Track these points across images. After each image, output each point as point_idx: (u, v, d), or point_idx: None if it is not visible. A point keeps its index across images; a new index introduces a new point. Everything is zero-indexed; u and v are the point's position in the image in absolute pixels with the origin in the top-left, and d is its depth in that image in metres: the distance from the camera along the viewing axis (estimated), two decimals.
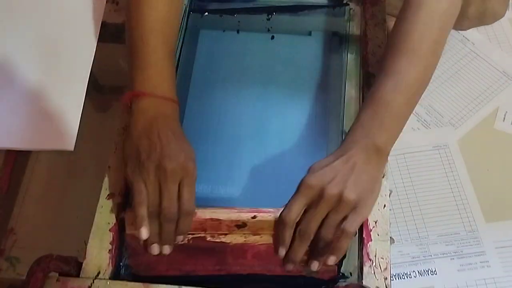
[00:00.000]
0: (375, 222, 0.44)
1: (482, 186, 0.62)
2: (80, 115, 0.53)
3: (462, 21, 0.64)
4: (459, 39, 0.71)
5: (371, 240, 0.44)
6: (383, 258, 0.43)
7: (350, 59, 0.55)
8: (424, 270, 0.58)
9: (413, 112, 0.65)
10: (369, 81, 0.51)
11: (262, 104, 0.53)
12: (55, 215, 0.53)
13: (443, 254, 0.59)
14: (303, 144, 0.51)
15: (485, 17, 0.64)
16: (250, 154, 0.51)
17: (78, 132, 0.53)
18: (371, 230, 0.44)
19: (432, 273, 0.58)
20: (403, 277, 0.58)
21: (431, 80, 0.68)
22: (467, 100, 0.67)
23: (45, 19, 0.59)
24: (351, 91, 0.53)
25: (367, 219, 0.44)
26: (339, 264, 0.43)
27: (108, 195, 0.46)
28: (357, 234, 0.45)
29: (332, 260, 0.41)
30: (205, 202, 0.45)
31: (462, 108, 0.67)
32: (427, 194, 0.62)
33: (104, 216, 0.45)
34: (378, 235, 0.44)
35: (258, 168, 0.50)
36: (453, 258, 0.58)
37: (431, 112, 0.66)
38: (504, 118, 0.66)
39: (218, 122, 0.53)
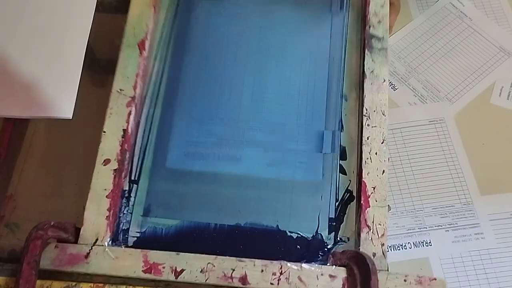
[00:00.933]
0: (373, 188, 0.45)
1: (478, 160, 0.62)
2: (78, 84, 0.53)
3: None
4: (456, 15, 0.71)
5: (369, 206, 0.44)
6: (380, 224, 0.43)
7: (351, 19, 0.54)
8: (419, 242, 0.59)
9: (410, 86, 0.66)
10: (370, 43, 0.50)
11: (260, 64, 0.52)
12: (55, 182, 0.53)
13: (438, 226, 0.59)
14: (300, 107, 0.51)
15: None
16: (248, 117, 0.50)
17: (76, 102, 0.53)
18: (369, 196, 0.44)
19: (427, 244, 0.59)
20: (398, 248, 0.59)
21: (428, 56, 0.69)
22: (464, 75, 0.67)
23: None
24: (351, 53, 0.52)
25: (366, 184, 0.45)
26: (337, 226, 0.44)
27: (104, 160, 0.46)
28: (355, 200, 0.46)
29: None
30: (204, 166, 0.48)
31: (458, 83, 0.67)
32: (423, 168, 0.62)
33: (101, 182, 0.45)
34: (376, 201, 0.44)
35: (256, 131, 0.50)
36: (448, 230, 0.59)
37: (428, 87, 0.67)
38: (500, 93, 0.66)
39: (215, 82, 0.52)
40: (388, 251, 0.44)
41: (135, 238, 0.46)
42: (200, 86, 0.52)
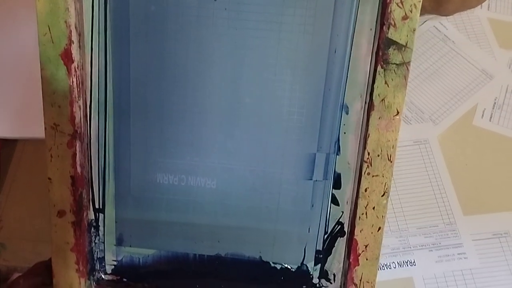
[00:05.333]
0: (366, 246, 0.39)
1: (461, 180, 0.63)
2: None
3: (446, 5, 0.65)
4: (440, 38, 0.73)
5: (359, 265, 0.39)
6: (368, 282, 0.39)
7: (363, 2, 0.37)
8: (403, 261, 0.59)
9: None
10: (386, 55, 0.35)
11: (235, 61, 0.38)
12: (42, 202, 0.53)
13: (422, 246, 0.60)
14: (288, 122, 0.40)
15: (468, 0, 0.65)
16: (222, 134, 0.40)
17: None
18: (359, 255, 0.39)
19: (411, 264, 0.59)
20: (383, 268, 0.59)
21: (412, 77, 0.70)
22: (447, 97, 0.69)
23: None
24: (360, 45, 0.37)
25: (358, 242, 0.39)
26: (324, 258, 0.42)
27: (58, 212, 0.39)
28: (345, 235, 0.41)
29: None
30: (173, 193, 0.42)
31: (442, 104, 0.68)
32: (407, 188, 0.63)
33: (61, 235, 0.40)
34: (367, 259, 0.39)
35: (232, 153, 0.41)
36: (432, 250, 0.60)
37: (412, 109, 0.68)
38: (482, 115, 0.67)
39: (175, 90, 0.39)
40: None
41: (113, 266, 0.44)
42: (157, 91, 0.40)
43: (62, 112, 0.37)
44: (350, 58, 0.38)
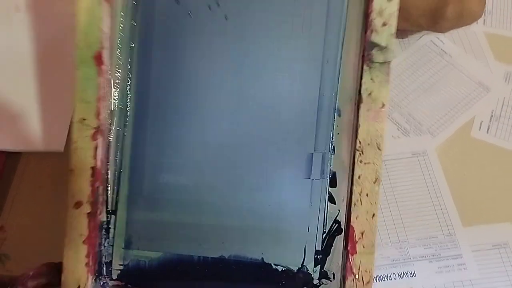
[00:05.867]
0: (362, 233, 0.42)
1: (459, 192, 0.64)
2: (70, 117, 0.54)
3: (442, 22, 0.66)
4: (437, 52, 0.74)
5: (356, 252, 0.42)
6: (366, 271, 0.41)
7: (350, 16, 0.44)
8: (403, 272, 0.60)
9: (393, 120, 0.68)
10: (370, 55, 0.42)
11: (240, 70, 0.44)
12: (45, 213, 0.54)
13: (422, 257, 0.60)
14: (288, 125, 0.45)
15: (463, 17, 0.66)
16: (228, 139, 0.45)
17: (68, 134, 0.54)
18: (356, 242, 0.42)
19: (411, 275, 0.59)
20: (383, 279, 0.59)
21: (410, 91, 0.71)
22: (445, 110, 0.70)
23: (40, 23, 0.60)
24: (349, 55, 0.44)
25: (354, 229, 0.42)
26: (323, 259, 0.44)
27: (75, 203, 0.43)
28: (342, 233, 0.44)
29: None
30: (183, 193, 0.44)
31: (440, 117, 0.69)
32: (406, 199, 0.64)
33: (76, 227, 0.42)
34: (363, 247, 0.42)
35: (237, 154, 0.45)
36: (432, 261, 0.60)
37: (410, 121, 0.69)
38: (480, 127, 0.68)
39: (189, 96, 0.45)
40: (373, 282, 0.43)
41: (119, 271, 0.45)
42: (174, 101, 0.45)
43: (90, 108, 0.43)
44: (340, 67, 0.44)
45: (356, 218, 0.42)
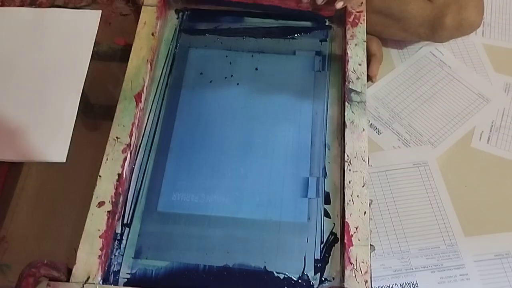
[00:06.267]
0: (356, 228, 0.47)
1: (461, 202, 0.64)
2: (72, 128, 0.55)
3: (441, 32, 0.67)
4: (436, 63, 0.75)
5: (352, 245, 0.46)
6: (363, 262, 0.45)
7: (332, 76, 0.59)
8: (406, 283, 0.59)
9: (394, 131, 0.68)
10: (350, 97, 0.55)
11: (248, 118, 0.57)
12: (46, 224, 0.54)
13: (424, 267, 0.60)
14: (286, 156, 0.55)
15: (462, 27, 0.67)
16: (237, 164, 0.54)
17: (69, 146, 0.55)
18: (352, 236, 0.47)
19: (413, 285, 0.59)
20: None
21: (410, 101, 0.72)
22: (445, 120, 0.70)
23: (41, 37, 0.61)
24: (333, 106, 0.57)
25: (349, 225, 0.47)
26: (322, 267, 0.45)
27: (98, 203, 0.48)
28: (339, 241, 0.48)
29: (339, 4, 0.58)
30: (193, 209, 0.50)
31: (440, 127, 0.69)
32: (408, 210, 0.64)
33: (95, 223, 0.47)
34: (359, 240, 0.47)
35: (244, 178, 0.53)
36: (434, 271, 0.60)
37: (411, 132, 0.69)
38: (480, 138, 0.69)
39: (206, 134, 0.56)
40: None
41: (125, 280, 0.47)
42: (191, 138, 0.55)
43: (125, 130, 0.52)
44: (327, 115, 0.58)
45: (350, 215, 0.48)
